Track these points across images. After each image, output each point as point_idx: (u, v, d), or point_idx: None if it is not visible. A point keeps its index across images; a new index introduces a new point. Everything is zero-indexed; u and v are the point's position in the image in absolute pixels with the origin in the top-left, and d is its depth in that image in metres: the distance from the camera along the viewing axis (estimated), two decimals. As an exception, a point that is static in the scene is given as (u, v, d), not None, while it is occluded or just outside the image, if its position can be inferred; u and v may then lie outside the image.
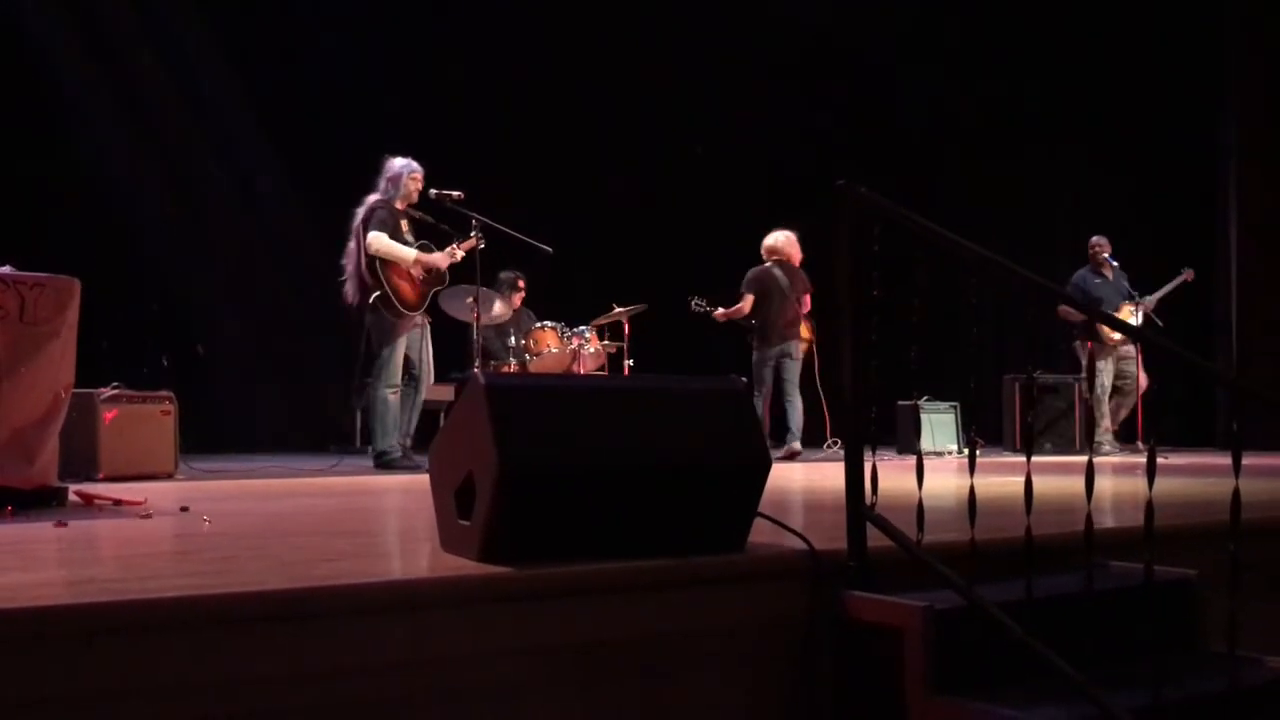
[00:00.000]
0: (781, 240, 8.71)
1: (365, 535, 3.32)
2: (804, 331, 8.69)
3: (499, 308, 8.08)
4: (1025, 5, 10.93)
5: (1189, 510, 3.87)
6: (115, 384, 5.93)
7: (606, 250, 9.78)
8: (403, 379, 6.87)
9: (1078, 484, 4.72)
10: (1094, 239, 9.42)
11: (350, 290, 6.80)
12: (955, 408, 9.78)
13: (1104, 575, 2.99)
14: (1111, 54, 10.78)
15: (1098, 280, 9.27)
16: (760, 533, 2.88)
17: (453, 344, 8.61)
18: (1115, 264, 9.34)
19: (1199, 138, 10.85)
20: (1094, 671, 2.44)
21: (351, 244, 6.81)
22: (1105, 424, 9.08)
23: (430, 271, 6.88)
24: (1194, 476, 5.82)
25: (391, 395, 6.77)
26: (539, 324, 8.45)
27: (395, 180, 6.87)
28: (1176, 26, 10.64)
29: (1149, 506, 2.44)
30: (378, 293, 6.68)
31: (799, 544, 2.80)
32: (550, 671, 2.44)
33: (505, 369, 8.20)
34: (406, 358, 6.88)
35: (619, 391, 2.90)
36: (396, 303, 6.73)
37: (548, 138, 10.15)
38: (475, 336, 7.26)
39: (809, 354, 8.81)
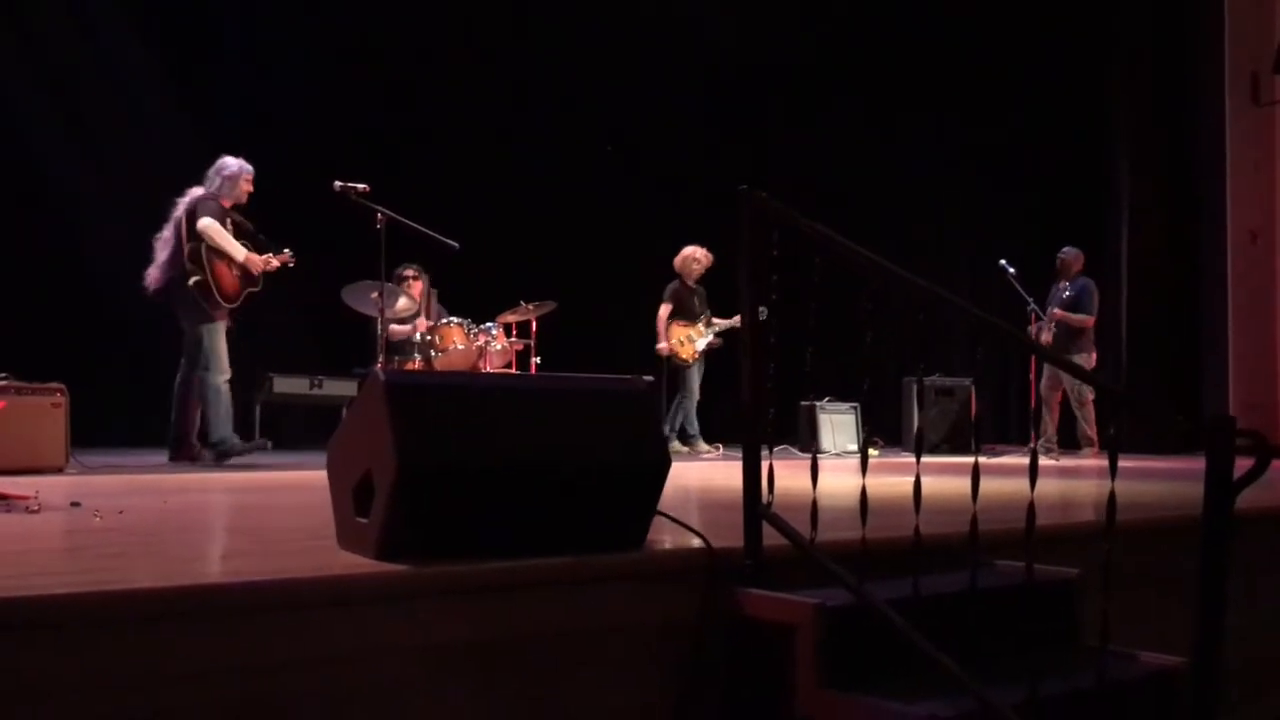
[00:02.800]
0: None
1: (261, 532, 3.28)
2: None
3: (403, 303, 8.02)
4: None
5: (1073, 511, 4.01)
6: (4, 375, 5.76)
7: (515, 248, 9.76)
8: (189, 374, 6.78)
9: (968, 485, 4.84)
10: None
11: (156, 276, 6.72)
12: (856, 409, 9.97)
13: (989, 574, 3.09)
14: (1004, 56, 11.06)
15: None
16: (659, 531, 2.92)
17: (355, 339, 8.54)
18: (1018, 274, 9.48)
19: (1089, 142, 11.18)
20: (977, 667, 2.52)
21: (167, 233, 6.74)
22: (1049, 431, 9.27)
23: (247, 273, 6.87)
24: (1082, 478, 6.03)
25: (224, 384, 6.71)
26: (445, 320, 8.40)
27: (231, 179, 6.86)
28: (1066, 31, 10.95)
29: (1030, 508, 2.53)
30: (197, 277, 6.62)
31: (697, 542, 2.85)
32: (445, 671, 2.45)
33: (410, 366, 8.13)
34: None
35: (520, 390, 2.91)
36: (216, 294, 6.68)
37: (457, 133, 10.10)
38: (379, 332, 7.19)
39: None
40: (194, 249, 6.65)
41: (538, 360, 8.61)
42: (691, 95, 11.19)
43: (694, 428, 9.32)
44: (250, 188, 6.94)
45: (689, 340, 9.38)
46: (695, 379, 9.37)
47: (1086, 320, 9.17)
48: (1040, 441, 9.31)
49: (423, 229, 7.01)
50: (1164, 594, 3.39)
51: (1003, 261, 9.30)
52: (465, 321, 8.39)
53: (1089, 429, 9.16)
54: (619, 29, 10.72)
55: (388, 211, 6.83)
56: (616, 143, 11.08)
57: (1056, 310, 9.18)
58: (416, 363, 8.14)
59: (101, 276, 8.86)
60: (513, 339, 8.60)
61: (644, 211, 10.84)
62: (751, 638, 2.78)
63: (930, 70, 11.22)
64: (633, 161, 10.97)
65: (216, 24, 9.62)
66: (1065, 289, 9.32)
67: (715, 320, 9.42)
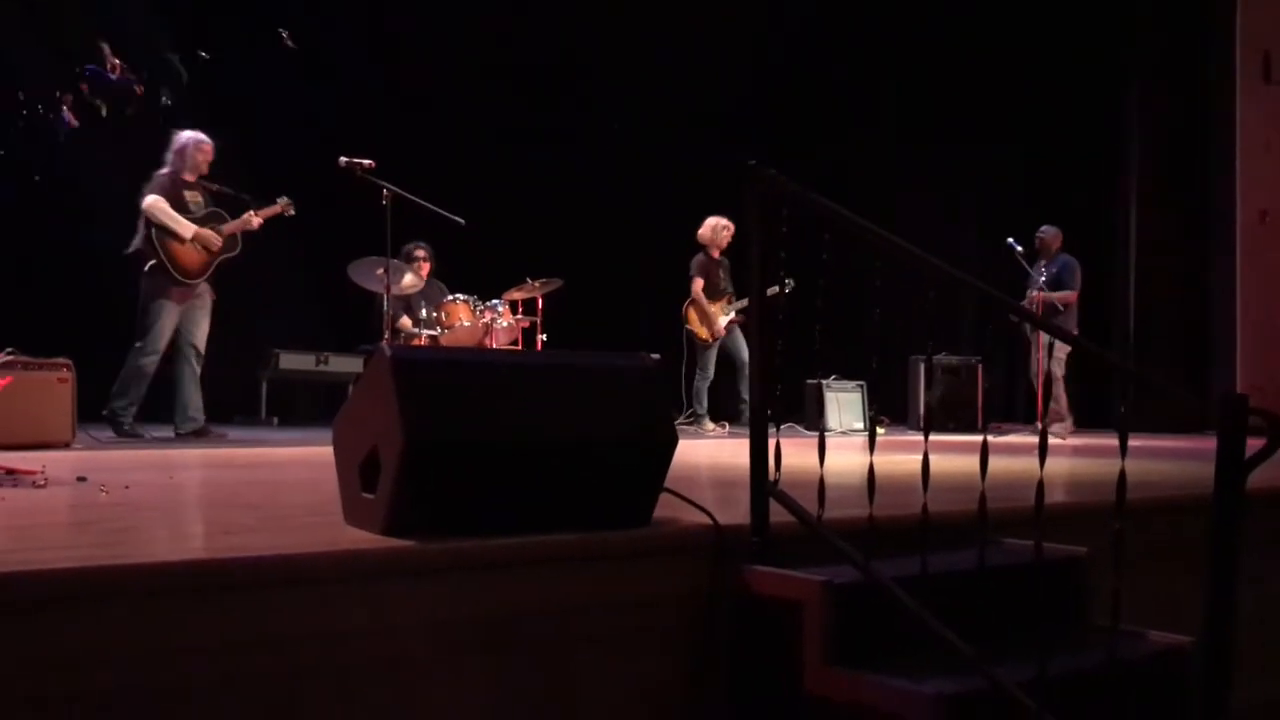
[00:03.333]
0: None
1: (267, 508, 3.28)
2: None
3: (409, 279, 8.00)
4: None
5: (1082, 490, 3.99)
6: (9, 350, 5.76)
7: (521, 225, 9.73)
8: (178, 354, 6.77)
9: (976, 463, 4.83)
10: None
11: (135, 245, 6.75)
12: (862, 387, 9.95)
13: (997, 552, 3.08)
14: (1016, 34, 10.99)
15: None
16: (666, 508, 2.91)
17: (362, 316, 8.52)
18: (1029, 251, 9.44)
19: (1102, 119, 11.10)
20: (985, 645, 2.51)
21: (140, 221, 6.76)
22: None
23: (214, 243, 6.84)
24: (1088, 457, 6.01)
25: (148, 363, 6.66)
26: (451, 297, 8.38)
27: (181, 152, 6.85)
28: (1080, 11, 10.87)
29: (1039, 486, 2.52)
30: (152, 261, 6.64)
31: (704, 519, 2.84)
32: (453, 646, 2.45)
33: (417, 342, 8.12)
34: (178, 330, 6.77)
35: (527, 366, 2.90)
36: (172, 270, 6.68)
37: (463, 110, 10.05)
38: (385, 308, 7.18)
39: None
40: (146, 234, 6.68)
41: (544, 338, 8.60)
42: (700, 70, 11.11)
43: (702, 406, 9.27)
44: (208, 156, 6.90)
45: (706, 319, 9.21)
46: (711, 358, 9.21)
47: (1069, 297, 9.13)
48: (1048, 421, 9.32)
49: (429, 205, 6.99)
50: (1172, 573, 3.39)
51: (1010, 240, 9.26)
52: (471, 298, 8.37)
53: (1058, 406, 9.16)
54: (627, 4, 10.65)
55: (393, 188, 6.81)
56: (624, 119, 11.01)
57: (1036, 293, 9.11)
58: (422, 339, 8.13)
59: (107, 252, 8.86)
60: (519, 316, 8.58)
61: (651, 189, 10.79)
62: (759, 614, 2.77)
63: (940, 43, 11.14)
64: (640, 138, 10.91)
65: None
66: (1046, 267, 9.28)
67: (736, 301, 9.23)
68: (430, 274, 8.59)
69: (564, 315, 8.78)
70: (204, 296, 6.89)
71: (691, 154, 10.97)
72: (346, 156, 6.78)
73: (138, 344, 6.69)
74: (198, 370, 6.86)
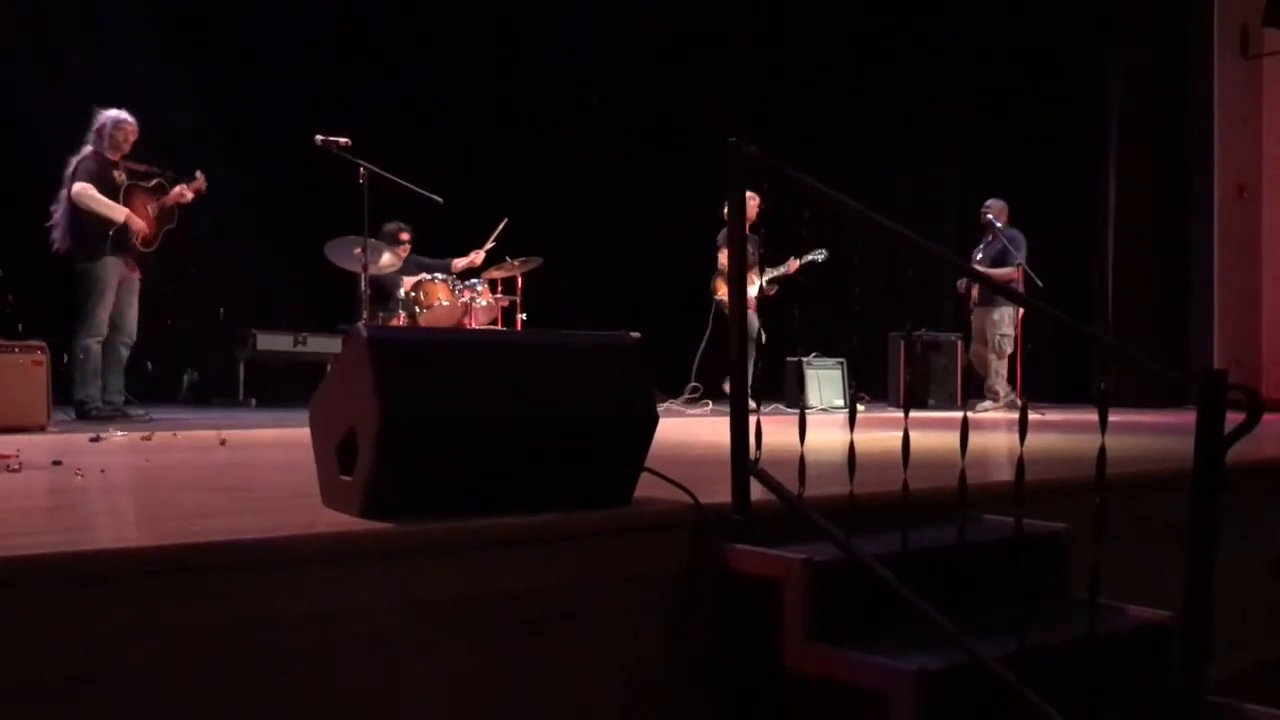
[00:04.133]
0: None
1: (244, 490, 3.25)
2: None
3: (387, 258, 7.96)
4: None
5: (1061, 465, 4.00)
6: (-17, 333, 5.71)
7: (500, 204, 9.67)
8: (111, 334, 6.73)
9: (956, 439, 4.84)
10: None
11: (59, 239, 6.70)
12: (843, 364, 9.96)
13: (977, 528, 3.09)
14: (995, 14, 10.99)
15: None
16: (647, 487, 2.90)
17: (340, 295, 8.47)
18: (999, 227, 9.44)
19: (1081, 97, 11.11)
20: (965, 620, 2.52)
21: (63, 192, 6.72)
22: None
23: (161, 211, 6.88)
24: (1069, 433, 6.03)
25: (95, 345, 6.65)
26: (430, 276, 8.34)
27: (100, 131, 6.80)
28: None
29: (1020, 462, 2.52)
30: (94, 240, 6.59)
31: (685, 498, 2.83)
32: (433, 627, 2.44)
33: (395, 321, 8.08)
34: (114, 311, 6.75)
35: (505, 345, 2.88)
36: (125, 239, 6.69)
37: (440, 87, 9.98)
38: (362, 288, 7.13)
39: None
40: (74, 216, 6.64)
41: (523, 317, 8.57)
42: (683, 46, 11.06)
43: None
44: (130, 135, 6.84)
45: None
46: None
47: (1011, 274, 8.95)
48: (1000, 397, 9.33)
49: (406, 184, 6.93)
50: (1151, 547, 3.40)
51: (990, 216, 9.26)
52: (450, 277, 8.33)
53: (998, 383, 9.16)
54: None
55: (370, 166, 6.75)
56: (603, 95, 10.96)
57: (978, 267, 9.10)
58: (401, 319, 8.09)
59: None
60: (498, 295, 8.55)
61: (631, 167, 10.75)
62: (740, 592, 2.77)
63: (921, 12, 11.11)
64: (619, 115, 10.86)
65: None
66: (991, 241, 9.22)
67: (767, 269, 8.92)
68: (409, 254, 8.55)
69: (544, 295, 8.75)
70: (133, 279, 6.87)
71: (672, 131, 10.94)
72: (322, 135, 6.72)
73: (78, 327, 6.63)
74: (125, 353, 6.85)
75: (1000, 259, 9.09)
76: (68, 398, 6.44)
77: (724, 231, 8.76)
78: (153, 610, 2.10)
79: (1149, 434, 5.99)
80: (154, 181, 6.93)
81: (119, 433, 5.32)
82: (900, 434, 2.68)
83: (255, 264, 8.59)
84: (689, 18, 11.03)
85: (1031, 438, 2.62)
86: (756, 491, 2.87)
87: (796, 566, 2.63)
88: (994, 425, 6.99)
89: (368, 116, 7.53)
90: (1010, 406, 9.07)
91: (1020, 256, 9.06)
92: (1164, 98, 10.82)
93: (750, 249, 9.03)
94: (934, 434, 5.59)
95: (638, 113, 10.86)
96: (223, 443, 4.87)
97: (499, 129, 10.15)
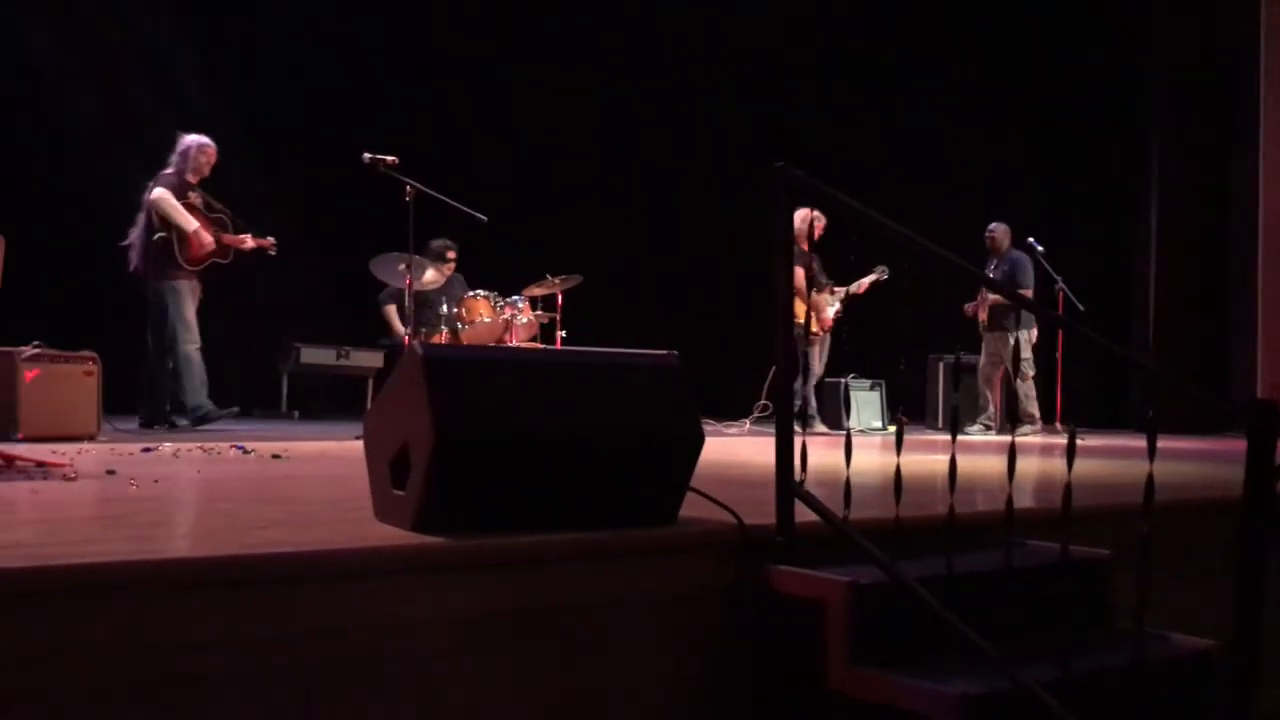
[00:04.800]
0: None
1: (296, 503, 3.31)
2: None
3: (430, 275, 8.04)
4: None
5: (1103, 492, 3.99)
6: (36, 342, 5.81)
7: (541, 221, 9.76)
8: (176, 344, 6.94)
9: (993, 463, 4.85)
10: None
11: (134, 259, 6.99)
12: (880, 386, 9.94)
13: (1021, 553, 3.09)
14: (1036, 31, 10.96)
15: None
16: (691, 506, 2.93)
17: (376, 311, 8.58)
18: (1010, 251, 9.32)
19: (1122, 121, 11.05)
20: (1008, 645, 2.53)
21: (141, 214, 6.99)
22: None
23: (208, 245, 7.08)
24: (1108, 458, 6.00)
25: (195, 352, 6.89)
26: (472, 293, 8.41)
27: (185, 154, 7.09)
28: (1103, 10, 10.84)
29: (1067, 489, 2.53)
30: (162, 234, 6.85)
31: (729, 518, 2.86)
32: (480, 641, 2.48)
33: (436, 338, 8.15)
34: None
35: (556, 365, 2.92)
36: (179, 256, 6.91)
37: (485, 106, 10.09)
38: (407, 304, 7.21)
39: None
40: (162, 220, 6.91)
41: (563, 334, 8.62)
42: (716, 66, 11.11)
43: (812, 407, 8.89)
44: (211, 159, 7.15)
45: (815, 311, 8.75)
46: (816, 355, 8.86)
47: (1024, 295, 8.83)
48: (982, 418, 9.25)
49: (451, 201, 7.01)
50: (1195, 576, 3.39)
51: (1031, 240, 9.24)
52: (491, 294, 8.40)
53: (1029, 405, 9.03)
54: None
55: (416, 184, 6.83)
56: (644, 115, 11.02)
57: (989, 293, 9.02)
58: (443, 335, 8.16)
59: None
60: (538, 312, 8.60)
61: (670, 186, 10.81)
62: (782, 614, 2.79)
63: (956, 31, 11.09)
64: (659, 134, 10.93)
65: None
66: (996, 266, 9.13)
67: (836, 288, 8.83)
68: (453, 272, 8.64)
69: (583, 312, 8.81)
70: (197, 291, 7.11)
71: (710, 150, 10.99)
72: (370, 153, 6.81)
73: (176, 339, 6.89)
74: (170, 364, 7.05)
75: (1009, 282, 9.04)
76: (117, 408, 6.53)
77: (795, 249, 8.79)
78: (206, 621, 2.15)
79: (1190, 460, 5.95)
80: (216, 215, 7.17)
81: (167, 444, 5.41)
82: (938, 457, 2.70)
83: (300, 278, 8.71)
84: (727, 37, 11.09)
85: (1051, 462, 2.63)
86: (800, 513, 2.89)
87: (841, 589, 2.65)
88: (1028, 449, 6.96)
89: (414, 134, 7.61)
90: (1038, 432, 9.05)
91: (1029, 280, 9.01)
92: (1208, 114, 10.74)
93: (816, 268, 9.01)
94: (969, 457, 5.58)
95: (678, 133, 10.93)
96: (275, 457, 4.94)
97: (542, 148, 10.23)
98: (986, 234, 9.24)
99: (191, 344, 6.89)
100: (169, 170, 7.09)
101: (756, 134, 10.87)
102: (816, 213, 8.42)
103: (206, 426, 6.83)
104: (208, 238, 7.02)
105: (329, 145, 8.11)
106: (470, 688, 2.47)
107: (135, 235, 6.99)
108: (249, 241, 7.26)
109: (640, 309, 10.47)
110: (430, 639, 2.41)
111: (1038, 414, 9.10)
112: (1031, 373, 9.08)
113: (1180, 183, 10.79)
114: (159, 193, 6.91)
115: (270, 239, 7.34)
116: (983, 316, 9.00)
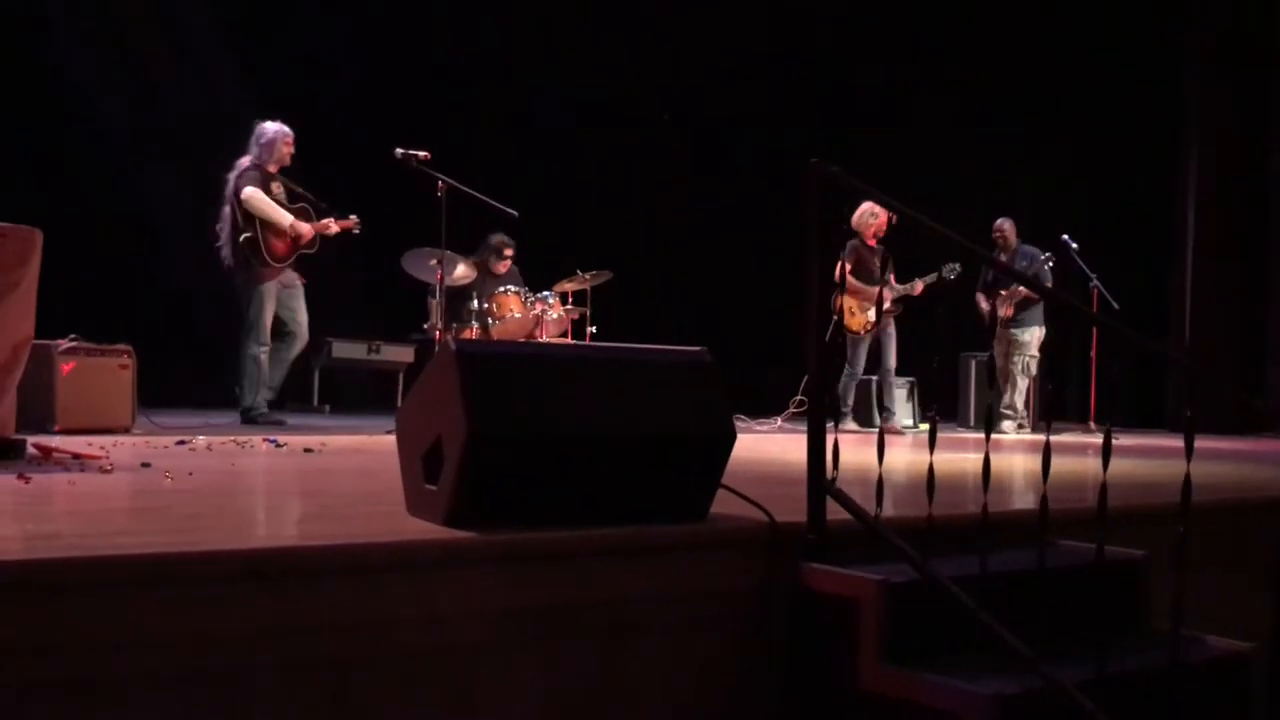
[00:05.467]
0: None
1: (328, 496, 3.33)
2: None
3: (461, 269, 8.06)
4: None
5: (1137, 491, 3.96)
6: (73, 336, 5.87)
7: (572, 216, 9.77)
8: (273, 337, 6.98)
9: (1029, 461, 4.81)
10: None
11: (226, 255, 6.95)
12: (912, 384, 9.89)
13: (1056, 553, 3.07)
14: (1073, 32, 10.87)
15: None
16: (723, 503, 2.92)
17: (413, 305, 8.60)
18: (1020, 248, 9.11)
19: (1158, 121, 10.94)
20: (1042, 646, 2.51)
21: (226, 209, 6.94)
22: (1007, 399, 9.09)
23: (306, 235, 7.07)
24: (1142, 458, 5.95)
25: (261, 353, 6.88)
26: (503, 288, 8.42)
27: (269, 145, 7.00)
28: (1138, 7, 10.74)
29: (1103, 489, 2.51)
30: (248, 234, 6.81)
31: (760, 515, 2.85)
32: (512, 636, 2.48)
33: (467, 333, 8.18)
34: (277, 317, 7.01)
35: (588, 360, 2.92)
36: (265, 252, 6.87)
37: (516, 101, 10.10)
38: (439, 299, 7.24)
39: None
40: (245, 216, 6.87)
41: (593, 330, 8.63)
42: (752, 60, 11.08)
43: (847, 404, 8.87)
44: (291, 149, 7.08)
45: (859, 309, 8.66)
46: (862, 353, 8.75)
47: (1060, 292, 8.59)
48: (1009, 412, 9.10)
49: (482, 197, 7.03)
50: (1232, 578, 3.36)
51: (1065, 236, 9.15)
52: (522, 290, 8.41)
53: (1018, 399, 8.99)
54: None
55: (448, 179, 6.85)
56: (675, 111, 11.01)
57: (1005, 290, 8.87)
58: (474, 330, 8.18)
59: (167, 240, 9.02)
60: (569, 308, 8.61)
61: (701, 181, 10.80)
62: (814, 611, 2.78)
63: (995, 32, 11.01)
64: (690, 130, 10.92)
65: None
66: (1014, 262, 8.82)
67: (895, 285, 8.57)
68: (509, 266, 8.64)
69: (613, 307, 8.82)
70: (296, 283, 7.13)
71: (743, 145, 10.96)
72: (402, 148, 6.84)
73: (244, 337, 6.91)
74: (292, 354, 7.15)
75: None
76: (148, 400, 6.58)
77: (851, 242, 8.52)
78: (241, 614, 2.16)
79: (1227, 460, 5.90)
80: (299, 205, 7.13)
81: (200, 437, 5.45)
82: (969, 455, 2.68)
83: (332, 273, 8.75)
84: (761, 34, 11.05)
85: (1098, 462, 2.61)
86: (832, 510, 2.88)
87: (873, 587, 2.64)
88: (1067, 448, 6.91)
89: (446, 129, 7.64)
90: (1021, 428, 9.01)
91: (1048, 276, 8.85)
92: (1246, 113, 10.61)
93: (875, 263, 8.87)
94: (1001, 456, 5.54)
95: (710, 128, 10.91)
96: (308, 451, 4.97)
97: (572, 143, 10.24)
98: (995, 230, 9.02)
99: (259, 346, 6.87)
100: (249, 161, 6.98)
101: (794, 128, 10.84)
102: (877, 207, 8.23)
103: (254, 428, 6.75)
104: (305, 228, 6.98)
105: (361, 140, 8.16)
106: (500, 683, 2.48)
107: (224, 233, 6.93)
108: (333, 226, 7.17)
109: (671, 305, 10.44)
110: (461, 633, 2.42)
111: (1024, 411, 9.04)
112: (1035, 372, 9.04)
113: (1217, 183, 10.67)
114: (249, 192, 6.83)
115: (353, 218, 7.23)
116: (1009, 312, 8.90)
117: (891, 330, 8.71)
